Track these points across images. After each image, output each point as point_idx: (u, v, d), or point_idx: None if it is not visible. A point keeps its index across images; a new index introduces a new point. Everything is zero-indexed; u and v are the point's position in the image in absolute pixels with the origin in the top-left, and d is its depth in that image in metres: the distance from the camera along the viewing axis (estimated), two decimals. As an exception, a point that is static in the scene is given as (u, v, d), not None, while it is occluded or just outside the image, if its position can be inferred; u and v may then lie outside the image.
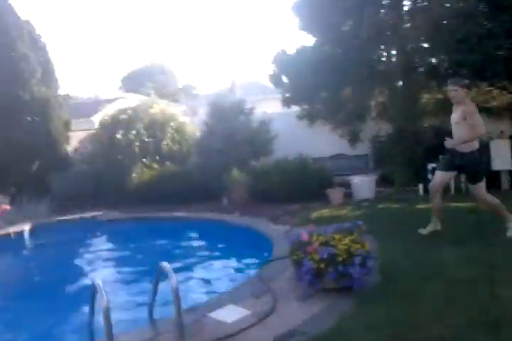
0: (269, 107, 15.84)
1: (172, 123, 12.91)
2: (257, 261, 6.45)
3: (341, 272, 4.40)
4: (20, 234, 9.32)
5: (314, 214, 8.08)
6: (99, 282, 3.98)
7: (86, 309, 4.47)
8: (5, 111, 11.51)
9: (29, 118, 11.82)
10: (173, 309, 4.11)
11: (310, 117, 11.18)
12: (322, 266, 4.42)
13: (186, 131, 13.22)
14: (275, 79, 11.46)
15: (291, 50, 11.05)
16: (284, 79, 11.33)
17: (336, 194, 9.27)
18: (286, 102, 11.32)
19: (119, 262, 7.55)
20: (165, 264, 4.27)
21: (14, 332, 5.14)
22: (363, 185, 9.53)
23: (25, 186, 10.61)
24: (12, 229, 9.41)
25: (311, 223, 5.53)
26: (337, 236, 4.62)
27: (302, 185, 9.41)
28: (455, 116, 5.85)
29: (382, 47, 10.34)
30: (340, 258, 4.40)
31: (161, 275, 4.44)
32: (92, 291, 4.19)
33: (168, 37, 72.01)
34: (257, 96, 23.49)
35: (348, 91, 10.76)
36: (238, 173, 9.98)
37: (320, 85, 10.31)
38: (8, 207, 10.07)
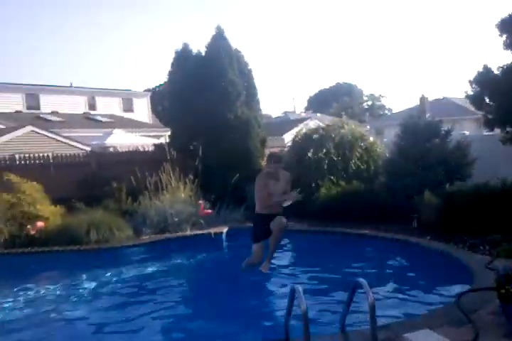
0: (463, 128, 14.92)
1: (361, 143, 12.95)
2: (453, 288, 6.09)
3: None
4: (219, 234, 10.27)
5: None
6: (299, 287, 4.20)
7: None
8: (214, 130, 12.91)
9: (232, 136, 13.05)
10: (368, 323, 4.13)
11: (515, 141, 10.24)
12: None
13: (374, 151, 13.14)
14: (475, 100, 10.77)
15: (494, 68, 10.30)
16: (486, 99, 10.60)
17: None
18: (489, 124, 10.54)
19: (302, 272, 7.82)
20: (362, 280, 4.32)
21: (219, 319, 5.68)
22: None
23: (225, 195, 11.66)
24: (213, 230, 10.44)
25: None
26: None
27: (505, 213, 8.59)
28: None
29: None
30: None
31: (354, 292, 4.51)
32: (290, 294, 4.43)
33: (355, 57, 72.66)
34: (450, 116, 22.32)
35: None
36: (430, 196, 9.55)
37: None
38: (210, 211, 11.17)
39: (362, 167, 12.60)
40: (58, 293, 7.18)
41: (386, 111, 65.52)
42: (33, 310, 6.34)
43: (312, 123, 24.75)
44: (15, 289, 7.27)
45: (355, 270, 7.52)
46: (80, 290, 7.23)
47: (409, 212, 9.78)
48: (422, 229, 9.27)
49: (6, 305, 6.60)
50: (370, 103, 69.71)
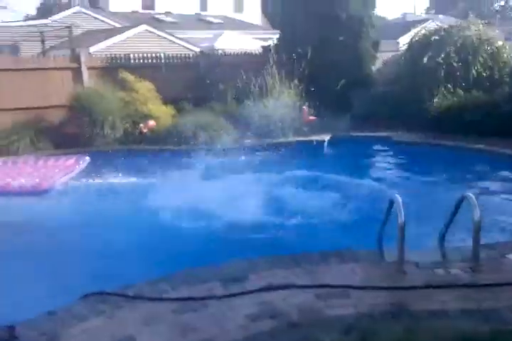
0: None
1: (487, 47, 11.58)
2: None
3: None
4: (321, 142, 10.20)
5: None
6: (398, 197, 4.04)
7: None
8: (324, 31, 12.11)
9: (341, 38, 12.21)
10: (472, 241, 3.93)
11: None
12: None
13: (502, 56, 11.74)
14: None
15: None
16: None
17: None
18: None
19: (411, 183, 7.56)
20: (469, 195, 4.04)
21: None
22: None
23: (331, 102, 11.26)
24: (314, 138, 10.34)
25: None
26: None
27: None
28: None
29: None
30: None
31: (460, 206, 4.24)
32: (389, 204, 4.29)
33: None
34: None
35: None
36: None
37: None
38: (313, 117, 10.95)
39: (484, 74, 11.39)
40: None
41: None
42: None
43: (433, 26, 22.51)
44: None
45: (460, 185, 7.10)
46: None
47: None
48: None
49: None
50: (502, 3, 61.38)
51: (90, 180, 7.88)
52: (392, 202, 4.11)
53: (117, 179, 7.93)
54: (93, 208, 6.45)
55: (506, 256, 4.12)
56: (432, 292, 3.54)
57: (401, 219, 3.85)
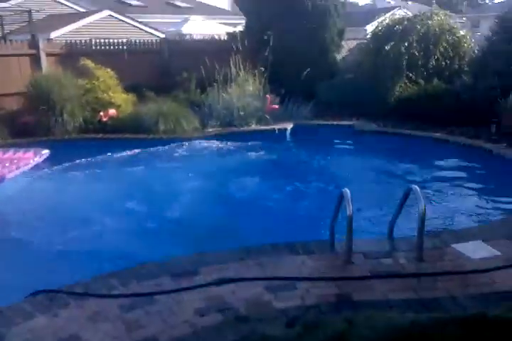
0: None
1: (449, 37, 11.75)
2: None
3: None
4: (283, 131, 10.24)
5: None
6: (347, 191, 4.10)
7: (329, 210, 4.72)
8: (289, 19, 12.06)
9: (307, 26, 12.19)
10: (416, 231, 4.04)
11: None
12: None
13: (462, 46, 11.93)
14: None
15: None
16: None
17: None
18: None
19: (366, 173, 7.67)
20: (415, 187, 4.13)
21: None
22: None
23: (294, 90, 11.30)
24: (277, 126, 10.37)
25: None
26: None
27: None
28: None
29: None
30: None
31: (407, 197, 4.34)
32: (339, 197, 4.35)
33: None
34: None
35: None
36: (516, 100, 8.74)
37: None
38: (276, 106, 10.97)
39: (444, 64, 11.58)
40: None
41: (487, 0, 58.63)
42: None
43: (400, 13, 22.67)
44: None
45: (415, 174, 7.27)
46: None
47: (490, 117, 9.09)
48: (499, 136, 8.66)
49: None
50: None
51: (43, 175, 7.69)
52: (341, 196, 4.17)
53: (72, 173, 7.77)
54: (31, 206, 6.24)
55: (451, 245, 4.24)
56: (375, 282, 3.64)
57: (349, 211, 3.92)
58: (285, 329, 3.08)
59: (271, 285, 3.66)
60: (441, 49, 11.56)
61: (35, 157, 7.91)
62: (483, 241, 4.30)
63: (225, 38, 14.41)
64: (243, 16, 16.74)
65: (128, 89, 11.12)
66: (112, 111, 10.27)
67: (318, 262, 4.05)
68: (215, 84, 11.13)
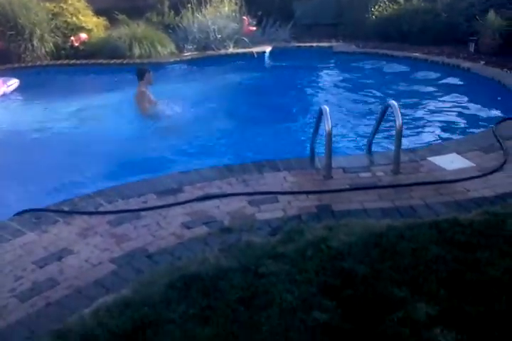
0: None
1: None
2: (494, 116, 5.88)
3: None
4: (262, 54, 10.01)
5: None
6: (326, 108, 4.12)
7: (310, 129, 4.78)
8: None
9: None
10: (394, 146, 4.14)
11: None
12: None
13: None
14: None
15: None
16: None
17: None
18: None
19: (346, 93, 7.67)
20: (393, 102, 4.16)
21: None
22: None
23: (271, 11, 10.90)
24: (255, 49, 10.12)
25: None
26: None
27: None
28: None
29: None
30: None
31: (385, 113, 4.39)
32: (318, 114, 4.38)
33: None
34: None
35: None
36: (495, 18, 8.58)
37: None
38: (254, 28, 10.63)
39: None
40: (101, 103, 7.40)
41: None
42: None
43: None
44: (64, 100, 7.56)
45: (393, 93, 7.28)
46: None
47: (469, 36, 9.01)
48: (478, 54, 8.64)
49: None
50: None
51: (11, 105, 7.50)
52: (320, 111, 4.20)
53: (40, 101, 7.58)
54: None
55: (427, 158, 4.37)
56: (354, 194, 3.78)
57: (328, 127, 3.97)
58: (268, 238, 3.25)
59: (254, 200, 3.77)
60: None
61: (2, 86, 7.68)
62: (458, 153, 4.43)
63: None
64: None
65: (99, 12, 10.63)
66: (84, 36, 9.88)
67: (299, 177, 4.15)
68: (189, 5, 10.66)
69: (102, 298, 2.65)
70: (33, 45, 9.49)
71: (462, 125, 5.82)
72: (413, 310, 2.36)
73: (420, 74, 8.33)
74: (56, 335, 2.35)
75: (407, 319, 2.30)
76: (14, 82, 7.85)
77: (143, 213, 3.61)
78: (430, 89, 7.51)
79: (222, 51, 10.16)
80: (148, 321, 2.37)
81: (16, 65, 9.29)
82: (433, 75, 8.16)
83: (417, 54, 9.03)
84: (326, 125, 3.97)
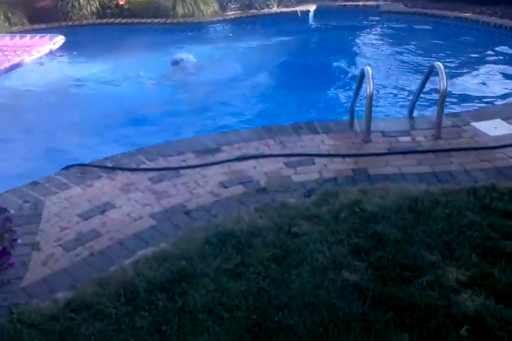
0: None
1: None
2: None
3: None
4: (306, 13, 9.74)
5: None
6: (368, 69, 4.03)
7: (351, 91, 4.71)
8: None
9: None
10: (436, 110, 4.04)
11: None
12: None
13: None
14: None
15: None
16: None
17: None
18: None
19: (392, 55, 7.44)
20: (438, 64, 4.03)
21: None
22: None
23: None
24: (299, 8, 9.85)
25: None
26: None
27: None
28: None
29: None
30: None
31: (431, 75, 4.26)
32: (359, 76, 4.30)
33: None
34: None
35: None
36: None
37: None
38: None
39: None
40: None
41: None
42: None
43: None
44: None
45: (440, 55, 6.99)
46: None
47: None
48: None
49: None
50: None
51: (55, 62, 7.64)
52: (362, 73, 4.12)
53: (85, 59, 7.71)
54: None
55: (471, 123, 4.25)
56: (392, 158, 3.75)
57: (370, 89, 3.90)
58: (303, 199, 3.29)
59: (290, 162, 3.80)
60: None
61: (49, 43, 7.81)
62: (502, 119, 4.29)
63: None
64: None
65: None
66: None
67: (337, 140, 4.14)
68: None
69: (141, 251, 2.79)
70: (79, 4, 9.59)
71: (508, 91, 5.56)
72: (443, 275, 2.39)
73: (469, 36, 7.96)
74: (98, 283, 2.50)
75: (435, 282, 2.33)
76: (60, 39, 7.97)
77: (182, 171, 3.70)
78: (479, 51, 7.17)
79: (266, 10, 9.93)
80: (184, 274, 2.48)
81: (63, 23, 9.41)
82: (483, 37, 7.78)
83: (468, 14, 8.58)
84: (368, 87, 3.90)
